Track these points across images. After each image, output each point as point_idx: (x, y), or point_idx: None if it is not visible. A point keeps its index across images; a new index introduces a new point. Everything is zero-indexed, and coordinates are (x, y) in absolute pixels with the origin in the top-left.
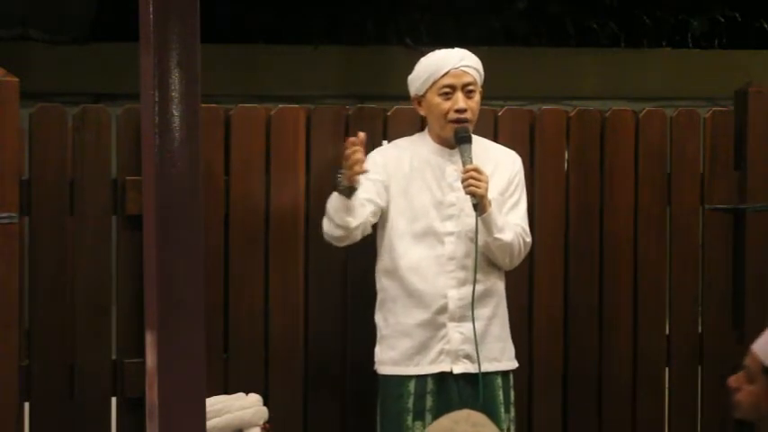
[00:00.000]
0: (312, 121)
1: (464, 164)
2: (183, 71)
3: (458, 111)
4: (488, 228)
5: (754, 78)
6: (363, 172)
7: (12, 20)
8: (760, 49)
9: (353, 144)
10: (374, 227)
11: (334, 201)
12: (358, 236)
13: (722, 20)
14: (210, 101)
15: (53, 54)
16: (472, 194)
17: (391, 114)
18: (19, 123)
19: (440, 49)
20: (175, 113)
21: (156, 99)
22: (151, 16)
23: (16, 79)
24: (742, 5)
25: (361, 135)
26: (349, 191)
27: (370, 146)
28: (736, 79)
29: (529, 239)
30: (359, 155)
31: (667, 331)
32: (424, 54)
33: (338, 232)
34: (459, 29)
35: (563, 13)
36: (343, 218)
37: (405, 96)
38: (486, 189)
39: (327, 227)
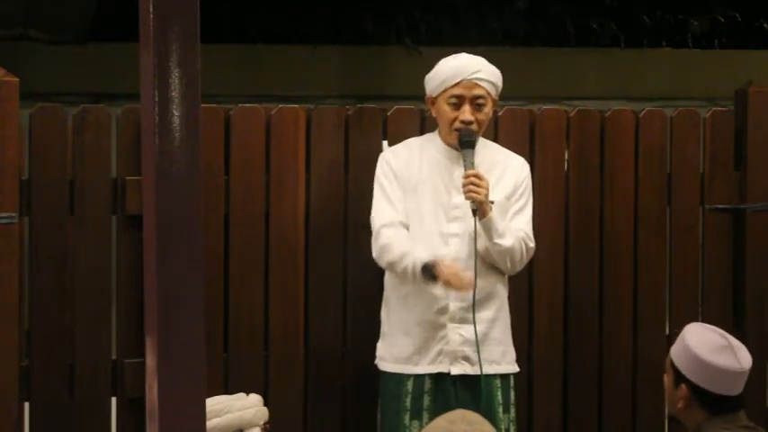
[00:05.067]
0: (312, 121)
1: (465, 168)
2: (183, 71)
3: (463, 122)
4: (488, 233)
5: (754, 78)
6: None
7: (12, 20)
8: (760, 49)
9: (469, 285)
10: None
11: (411, 269)
12: None
13: (722, 20)
14: (210, 101)
15: (53, 54)
16: (472, 200)
17: (391, 114)
18: (19, 123)
19: (439, 49)
20: (175, 113)
21: (156, 99)
22: (151, 16)
23: (16, 79)
24: (742, 5)
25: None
26: (430, 281)
27: (370, 146)
28: (737, 79)
29: (532, 245)
30: (464, 285)
31: (667, 331)
32: (423, 54)
33: (389, 270)
34: (459, 29)
35: (563, 13)
36: (404, 278)
37: (405, 96)
38: (486, 195)
39: (385, 262)
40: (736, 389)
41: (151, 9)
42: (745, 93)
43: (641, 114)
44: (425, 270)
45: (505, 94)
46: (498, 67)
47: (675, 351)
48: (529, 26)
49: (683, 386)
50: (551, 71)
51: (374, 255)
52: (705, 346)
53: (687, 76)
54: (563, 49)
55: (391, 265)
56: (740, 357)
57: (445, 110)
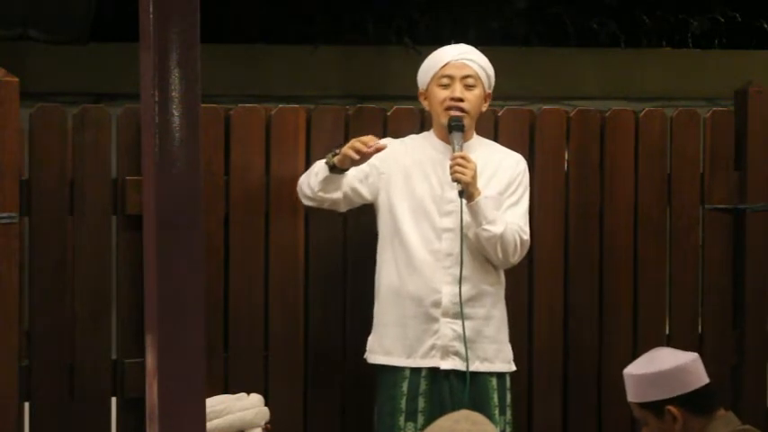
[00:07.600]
0: (312, 121)
1: (453, 151)
2: (183, 71)
3: (453, 99)
4: (476, 217)
5: (755, 78)
6: (355, 158)
7: (12, 20)
8: (760, 49)
9: (375, 146)
10: (377, 221)
11: (318, 166)
12: (340, 207)
13: (722, 20)
14: (210, 101)
15: (53, 54)
16: (458, 181)
17: (391, 114)
18: (19, 123)
19: (439, 49)
20: (175, 113)
21: (156, 99)
22: (151, 16)
23: (16, 79)
24: (742, 5)
25: (382, 144)
26: (333, 167)
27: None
28: (737, 79)
29: (526, 237)
30: (364, 153)
31: (667, 331)
32: (423, 54)
33: (307, 192)
34: (459, 29)
35: (563, 13)
36: (317, 185)
37: (405, 96)
38: (473, 177)
39: (301, 181)
40: (705, 376)
41: (151, 9)
42: (745, 93)
43: (641, 114)
44: (329, 157)
45: (505, 94)
46: (498, 67)
47: (636, 394)
48: (529, 26)
49: (669, 408)
50: (551, 71)
51: (300, 191)
52: (654, 363)
53: (687, 76)
54: (563, 49)
55: (304, 181)
56: (682, 351)
57: (436, 92)
